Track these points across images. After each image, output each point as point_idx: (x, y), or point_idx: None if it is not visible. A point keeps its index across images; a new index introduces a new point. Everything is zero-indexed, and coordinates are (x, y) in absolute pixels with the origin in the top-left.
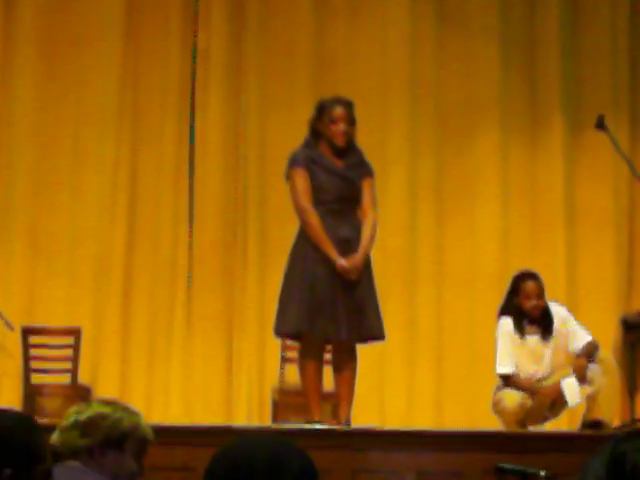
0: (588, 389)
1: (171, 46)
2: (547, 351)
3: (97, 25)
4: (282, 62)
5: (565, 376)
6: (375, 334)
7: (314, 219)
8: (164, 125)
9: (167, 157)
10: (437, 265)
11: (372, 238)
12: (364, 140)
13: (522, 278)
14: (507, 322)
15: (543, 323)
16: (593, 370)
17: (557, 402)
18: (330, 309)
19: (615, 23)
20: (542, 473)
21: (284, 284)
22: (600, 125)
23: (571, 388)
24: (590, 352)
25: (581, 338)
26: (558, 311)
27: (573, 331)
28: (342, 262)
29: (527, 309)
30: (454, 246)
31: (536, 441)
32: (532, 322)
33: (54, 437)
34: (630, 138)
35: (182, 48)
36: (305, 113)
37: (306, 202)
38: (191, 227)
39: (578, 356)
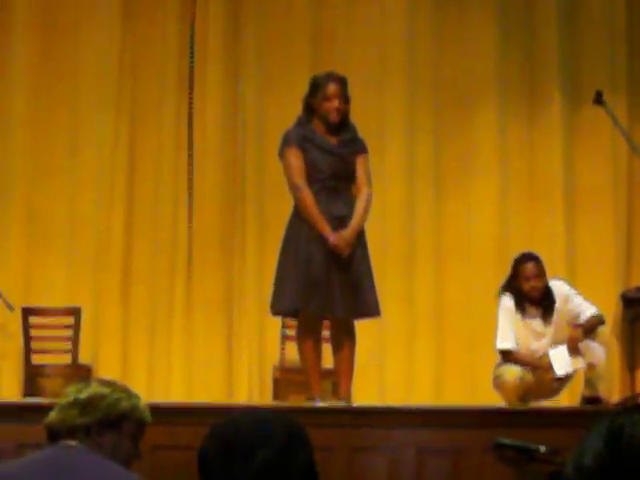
0: (580, 362)
1: (169, 24)
2: (548, 330)
3: (95, 3)
4: (280, 39)
5: (555, 346)
6: (370, 311)
7: (308, 197)
8: (162, 104)
9: (166, 136)
10: (436, 241)
11: (364, 214)
12: (362, 117)
13: (521, 260)
14: (508, 299)
15: (544, 303)
16: (590, 346)
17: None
18: (325, 286)
19: None
20: (542, 448)
21: (279, 262)
22: (598, 100)
23: (559, 358)
24: (593, 325)
25: (586, 310)
26: (560, 289)
27: (578, 305)
28: (332, 238)
29: (526, 290)
30: (452, 222)
31: (536, 417)
32: (533, 303)
33: (52, 415)
34: (628, 113)
35: (180, 26)
36: (303, 90)
37: (300, 180)
38: (190, 207)
39: (577, 327)
